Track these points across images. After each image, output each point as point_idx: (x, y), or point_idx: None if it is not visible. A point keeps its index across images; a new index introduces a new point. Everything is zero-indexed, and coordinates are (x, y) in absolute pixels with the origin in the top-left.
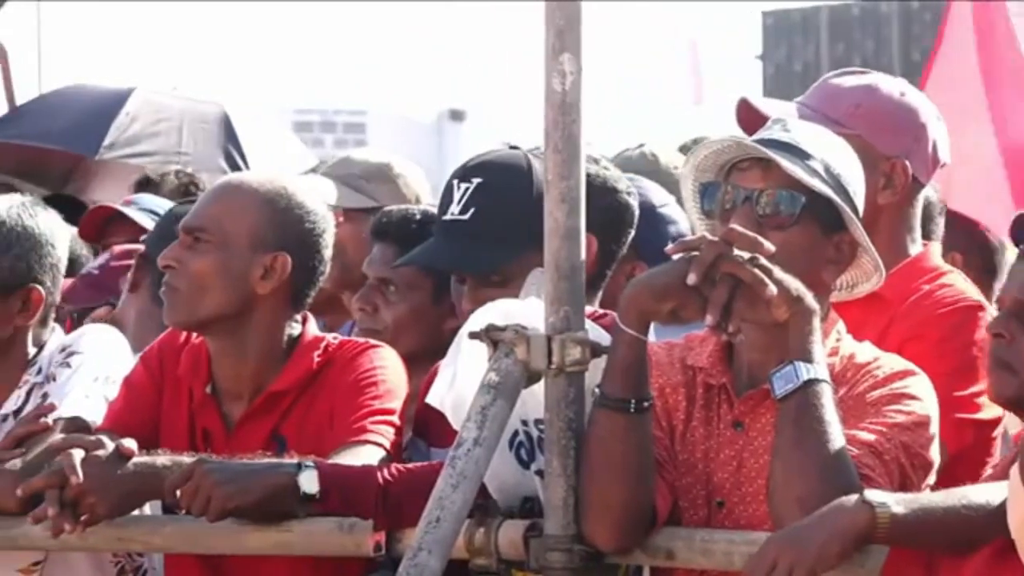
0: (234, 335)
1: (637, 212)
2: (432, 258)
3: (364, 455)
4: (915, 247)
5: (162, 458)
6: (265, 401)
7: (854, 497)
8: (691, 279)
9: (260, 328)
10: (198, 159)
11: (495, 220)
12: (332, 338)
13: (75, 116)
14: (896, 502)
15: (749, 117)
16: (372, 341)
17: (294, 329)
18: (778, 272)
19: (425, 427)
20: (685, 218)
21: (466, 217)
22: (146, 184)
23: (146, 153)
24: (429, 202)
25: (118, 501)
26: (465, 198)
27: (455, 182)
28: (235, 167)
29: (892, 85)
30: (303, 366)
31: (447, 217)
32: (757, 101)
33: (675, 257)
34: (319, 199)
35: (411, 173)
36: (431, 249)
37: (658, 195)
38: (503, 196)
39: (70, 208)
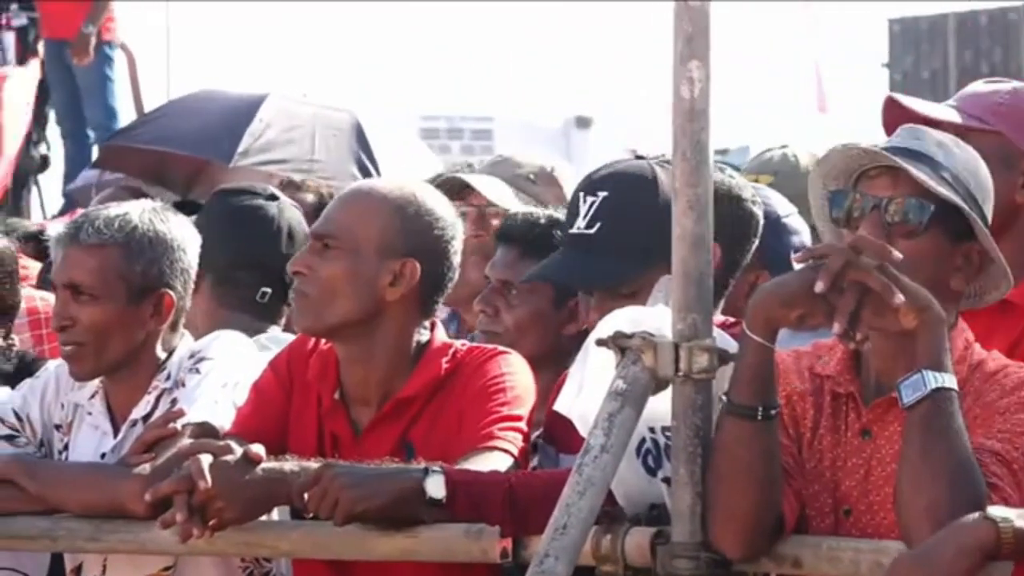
0: (363, 341)
1: (762, 221)
2: (560, 273)
3: (492, 461)
4: None
5: (290, 463)
6: (393, 407)
7: (976, 514)
8: (819, 287)
9: (389, 334)
10: (330, 166)
11: (622, 234)
12: (460, 344)
13: (207, 122)
14: (1019, 516)
15: (894, 116)
16: (500, 347)
17: (423, 335)
18: (906, 280)
19: (554, 433)
20: (807, 230)
21: (592, 231)
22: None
23: (279, 160)
24: None
25: (246, 506)
26: (592, 212)
27: (581, 195)
28: (367, 174)
29: None
30: (431, 372)
31: (574, 231)
32: (905, 99)
33: (799, 265)
34: (449, 206)
35: (572, 178)
36: (558, 263)
37: (782, 205)
38: (629, 209)
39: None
